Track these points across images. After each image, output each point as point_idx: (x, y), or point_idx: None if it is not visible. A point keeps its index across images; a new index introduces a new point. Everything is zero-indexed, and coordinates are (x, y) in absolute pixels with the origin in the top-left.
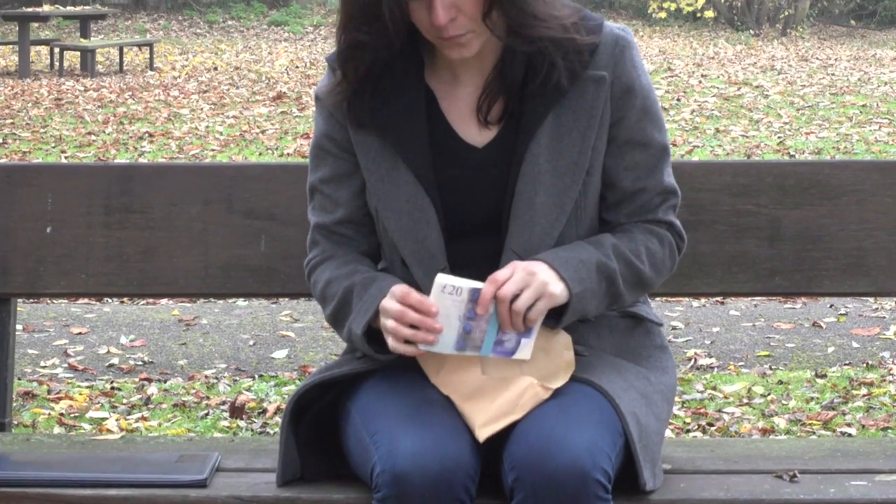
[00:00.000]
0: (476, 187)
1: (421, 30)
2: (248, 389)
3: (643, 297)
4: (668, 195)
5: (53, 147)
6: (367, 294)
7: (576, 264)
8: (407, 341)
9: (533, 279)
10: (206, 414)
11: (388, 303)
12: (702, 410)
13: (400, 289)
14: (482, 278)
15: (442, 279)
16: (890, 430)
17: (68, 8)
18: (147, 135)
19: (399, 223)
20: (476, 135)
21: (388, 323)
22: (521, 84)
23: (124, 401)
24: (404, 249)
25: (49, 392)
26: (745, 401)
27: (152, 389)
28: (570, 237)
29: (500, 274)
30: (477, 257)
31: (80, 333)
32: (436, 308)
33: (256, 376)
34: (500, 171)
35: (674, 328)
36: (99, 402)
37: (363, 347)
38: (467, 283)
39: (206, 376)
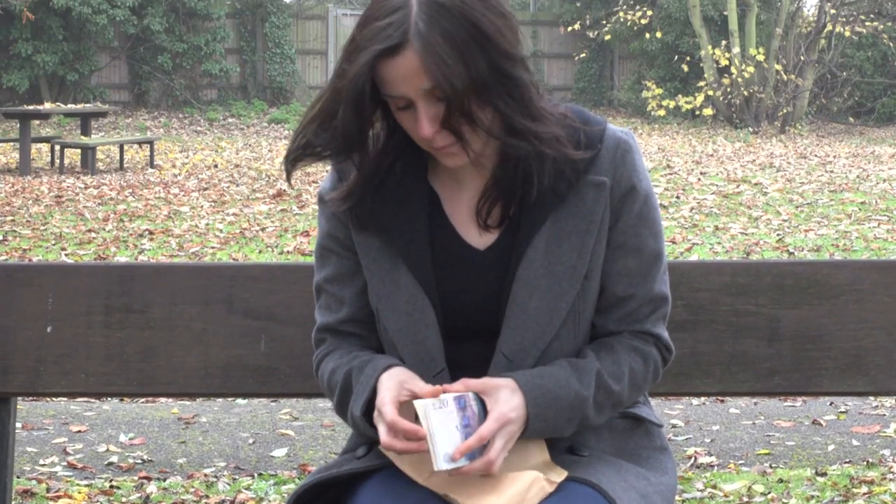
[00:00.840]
0: (475, 290)
1: (413, 138)
2: (248, 488)
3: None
4: (658, 304)
5: (53, 244)
6: (363, 375)
7: (549, 401)
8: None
9: (511, 442)
10: None
11: (382, 406)
12: None
13: (390, 401)
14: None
15: (421, 403)
16: None
17: (69, 106)
18: (147, 232)
19: (398, 324)
20: (478, 237)
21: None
22: (520, 188)
23: (123, 499)
24: (403, 350)
25: (48, 490)
26: (746, 499)
27: (151, 488)
28: (568, 340)
29: (486, 429)
30: (475, 359)
31: (79, 431)
32: (423, 432)
33: (256, 475)
34: (499, 274)
35: (674, 426)
36: (98, 501)
37: (365, 429)
38: (448, 395)
39: (206, 475)
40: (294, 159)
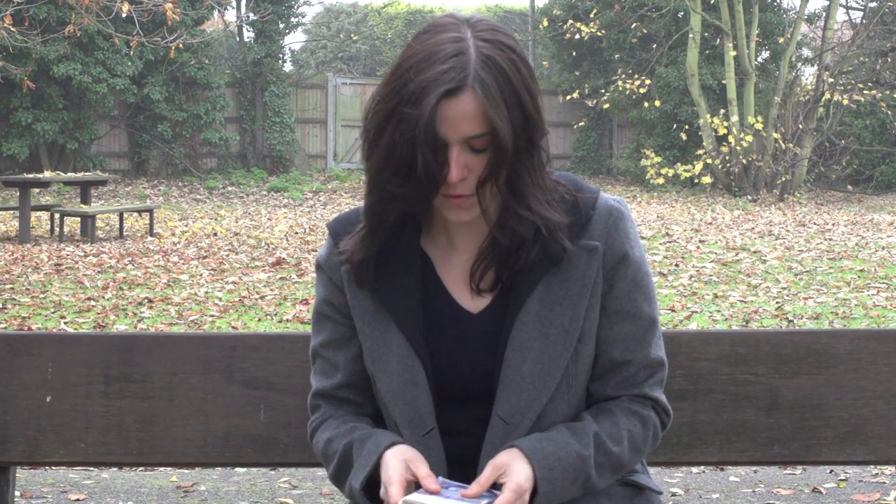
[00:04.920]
0: (468, 353)
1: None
2: None
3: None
4: (654, 369)
5: (53, 312)
6: (365, 449)
7: (552, 462)
8: None
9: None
10: None
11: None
12: None
13: (398, 481)
14: (475, 444)
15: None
16: None
17: (69, 174)
18: (146, 300)
19: (390, 385)
20: (470, 301)
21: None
22: (514, 254)
23: None
24: (394, 411)
25: None
26: None
27: None
28: (563, 403)
29: (504, 501)
30: (469, 423)
31: (77, 500)
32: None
33: None
34: (492, 338)
35: (673, 495)
36: None
37: (363, 503)
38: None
39: None
40: (377, 212)
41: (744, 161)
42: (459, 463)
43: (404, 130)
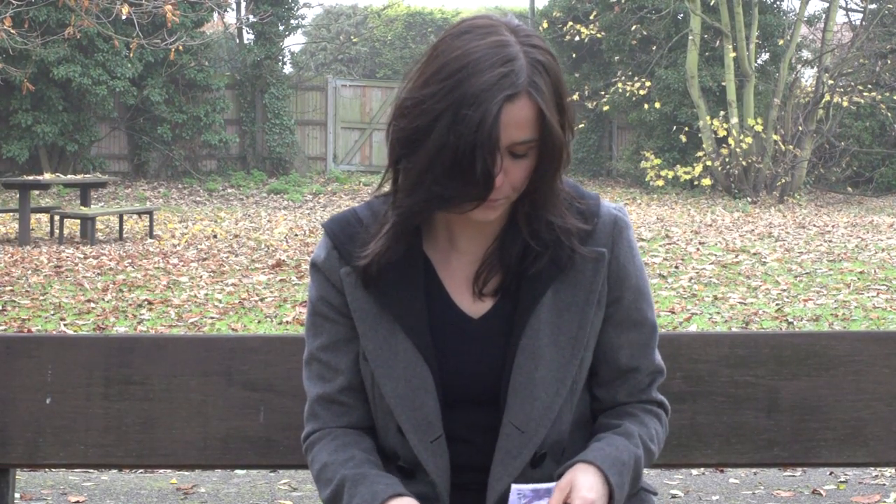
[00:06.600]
0: (473, 358)
1: None
2: None
3: None
4: (656, 374)
5: (53, 314)
6: (358, 494)
7: (619, 466)
8: None
9: None
10: None
11: None
12: None
13: None
14: (478, 448)
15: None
16: None
17: (69, 176)
18: (146, 302)
19: (396, 390)
20: (471, 305)
21: None
22: (519, 259)
23: None
24: (401, 416)
25: None
26: None
27: None
28: (564, 411)
29: None
30: (474, 427)
31: (77, 502)
32: None
33: None
34: (497, 343)
35: (673, 496)
36: None
37: None
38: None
39: None
40: (415, 213)
41: (743, 163)
42: (461, 468)
43: (461, 132)
